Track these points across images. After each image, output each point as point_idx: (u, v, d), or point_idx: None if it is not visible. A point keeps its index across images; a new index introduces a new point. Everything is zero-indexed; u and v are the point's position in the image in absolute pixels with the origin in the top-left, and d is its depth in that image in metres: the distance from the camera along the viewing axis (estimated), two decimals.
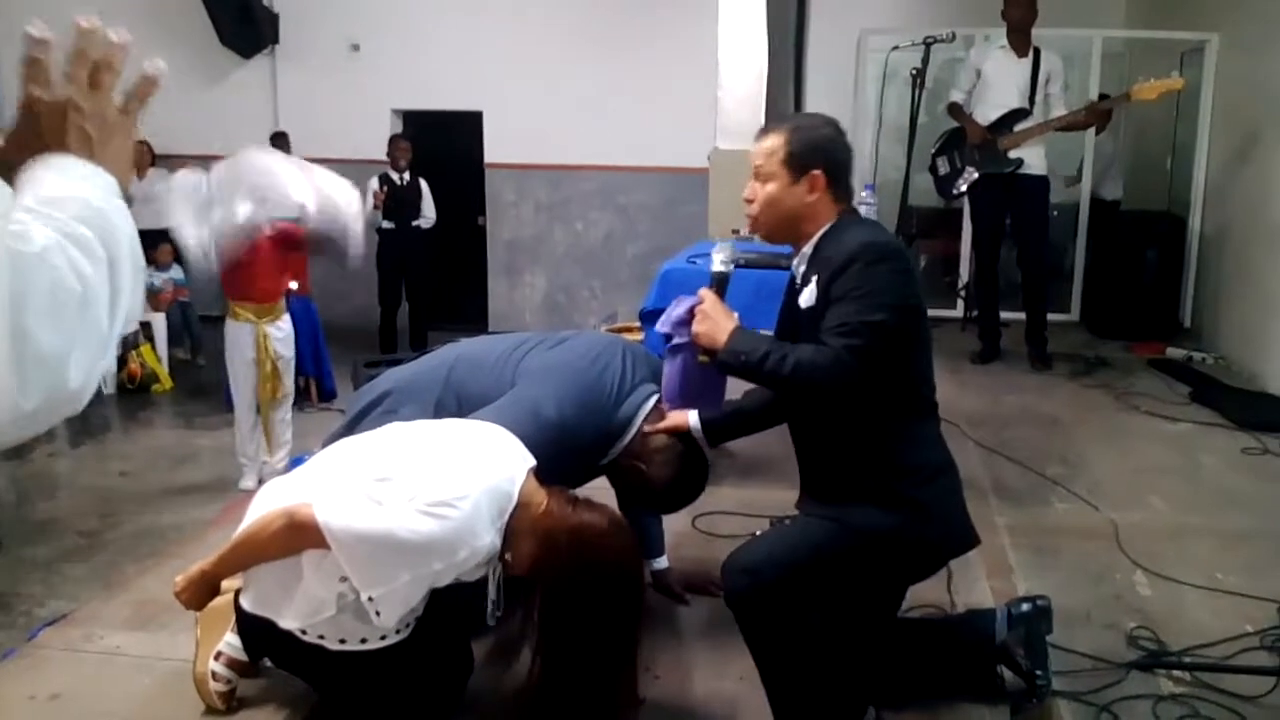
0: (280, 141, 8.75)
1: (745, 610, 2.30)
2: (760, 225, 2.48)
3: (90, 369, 0.95)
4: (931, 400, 2.48)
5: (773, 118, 4.70)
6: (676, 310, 2.45)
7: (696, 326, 2.36)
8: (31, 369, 0.90)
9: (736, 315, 2.36)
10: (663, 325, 2.49)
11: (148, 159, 8.66)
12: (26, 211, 0.94)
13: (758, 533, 3.40)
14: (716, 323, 2.33)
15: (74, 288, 0.92)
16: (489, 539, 2.15)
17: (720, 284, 2.45)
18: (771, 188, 2.41)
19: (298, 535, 2.14)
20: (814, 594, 2.32)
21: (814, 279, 2.35)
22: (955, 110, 6.10)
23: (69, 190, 0.98)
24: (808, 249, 2.42)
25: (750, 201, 2.46)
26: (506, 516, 2.18)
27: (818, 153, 2.39)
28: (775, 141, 2.41)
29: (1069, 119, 5.84)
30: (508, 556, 2.21)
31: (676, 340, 2.45)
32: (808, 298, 2.36)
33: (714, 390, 2.55)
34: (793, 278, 2.53)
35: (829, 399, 2.29)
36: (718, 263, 2.47)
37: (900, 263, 2.33)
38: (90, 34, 1.03)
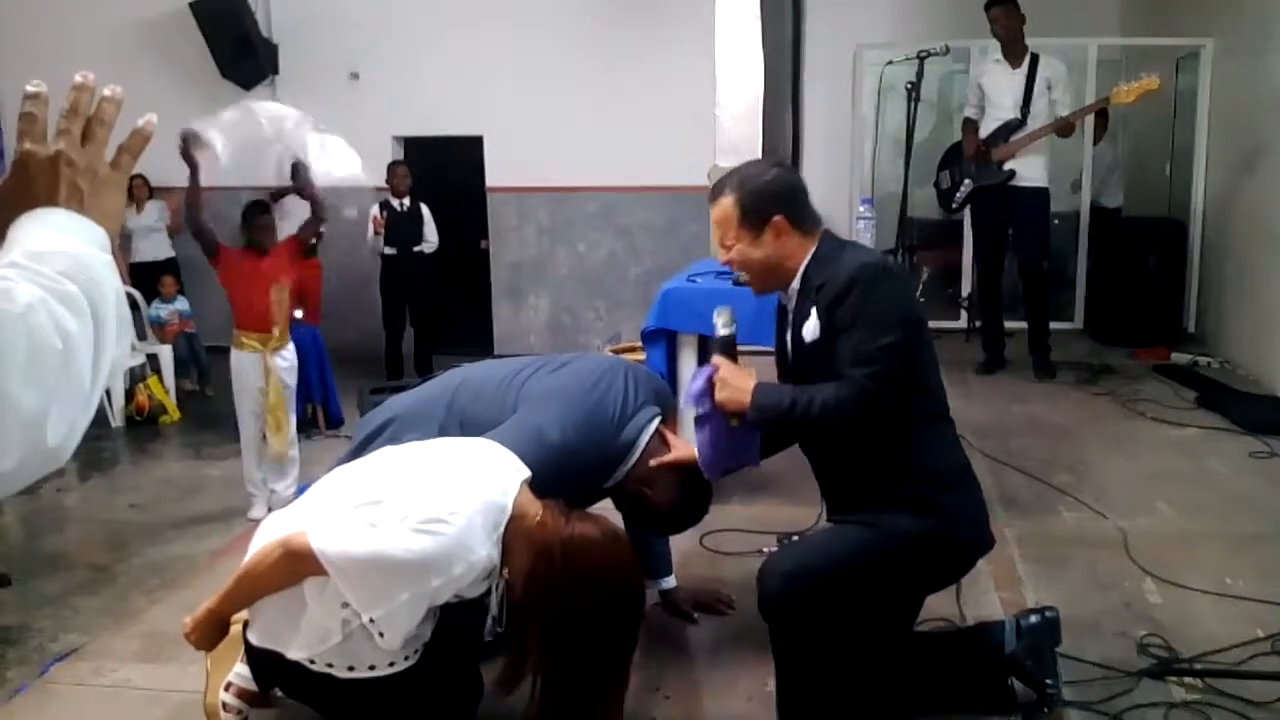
0: (300, 172, 8.76)
1: (781, 615, 2.32)
2: (747, 283, 2.53)
3: (70, 426, 0.93)
4: (943, 405, 2.50)
5: (768, 148, 4.72)
6: (695, 384, 2.47)
7: (719, 395, 2.40)
8: (9, 429, 0.88)
9: (754, 372, 2.40)
10: (685, 403, 2.54)
11: (144, 192, 8.67)
12: (12, 267, 0.93)
13: (764, 549, 3.42)
14: (737, 386, 2.37)
15: (55, 345, 0.91)
16: (485, 552, 2.15)
17: (728, 347, 2.48)
18: (740, 248, 2.46)
19: (296, 564, 2.15)
20: (849, 600, 2.33)
21: (812, 310, 2.39)
22: (966, 125, 6.14)
23: (56, 244, 0.97)
24: (795, 282, 2.47)
25: (728, 263, 2.51)
26: (502, 529, 2.19)
27: (771, 199, 2.43)
28: (727, 204, 2.45)
29: (1050, 128, 5.80)
30: (506, 572, 2.22)
31: (700, 411, 2.47)
32: (811, 330, 2.39)
33: (747, 448, 2.58)
34: (783, 309, 2.56)
35: (860, 427, 2.33)
36: (720, 327, 2.49)
37: (896, 279, 2.39)
38: (85, 89, 1.05)
